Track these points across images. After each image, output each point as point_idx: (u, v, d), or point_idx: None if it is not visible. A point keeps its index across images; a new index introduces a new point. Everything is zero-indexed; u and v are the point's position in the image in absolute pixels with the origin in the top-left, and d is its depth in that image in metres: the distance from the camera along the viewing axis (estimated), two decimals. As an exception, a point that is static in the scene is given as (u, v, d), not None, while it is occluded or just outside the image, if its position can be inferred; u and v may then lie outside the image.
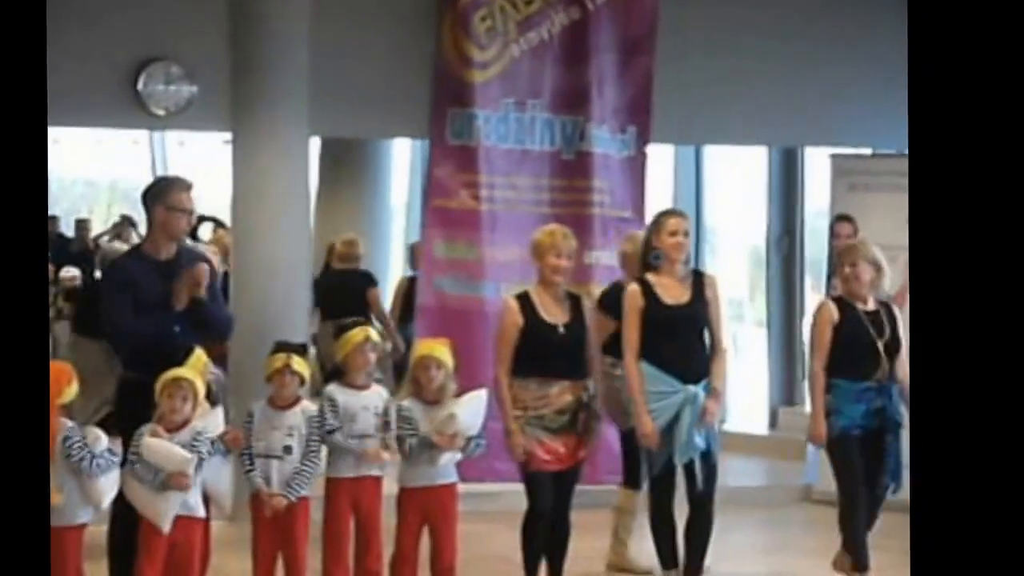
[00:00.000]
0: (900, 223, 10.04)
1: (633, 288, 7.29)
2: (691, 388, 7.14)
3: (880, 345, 7.34)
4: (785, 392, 12.78)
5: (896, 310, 7.56)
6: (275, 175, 9.38)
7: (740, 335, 14.27)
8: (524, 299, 7.18)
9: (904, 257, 9.77)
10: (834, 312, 7.44)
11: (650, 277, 7.27)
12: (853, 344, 7.34)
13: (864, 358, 7.33)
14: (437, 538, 6.89)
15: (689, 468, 7.21)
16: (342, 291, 11.49)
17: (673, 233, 7.26)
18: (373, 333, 6.98)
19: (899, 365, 7.38)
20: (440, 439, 6.78)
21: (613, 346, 7.45)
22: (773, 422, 12.62)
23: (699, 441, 7.16)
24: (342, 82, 9.54)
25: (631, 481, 8.12)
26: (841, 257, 7.54)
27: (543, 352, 7.07)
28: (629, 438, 7.79)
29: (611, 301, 7.77)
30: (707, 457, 7.22)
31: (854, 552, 7.45)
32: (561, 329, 7.14)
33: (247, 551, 6.78)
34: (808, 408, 11.50)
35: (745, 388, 13.11)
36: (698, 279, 7.35)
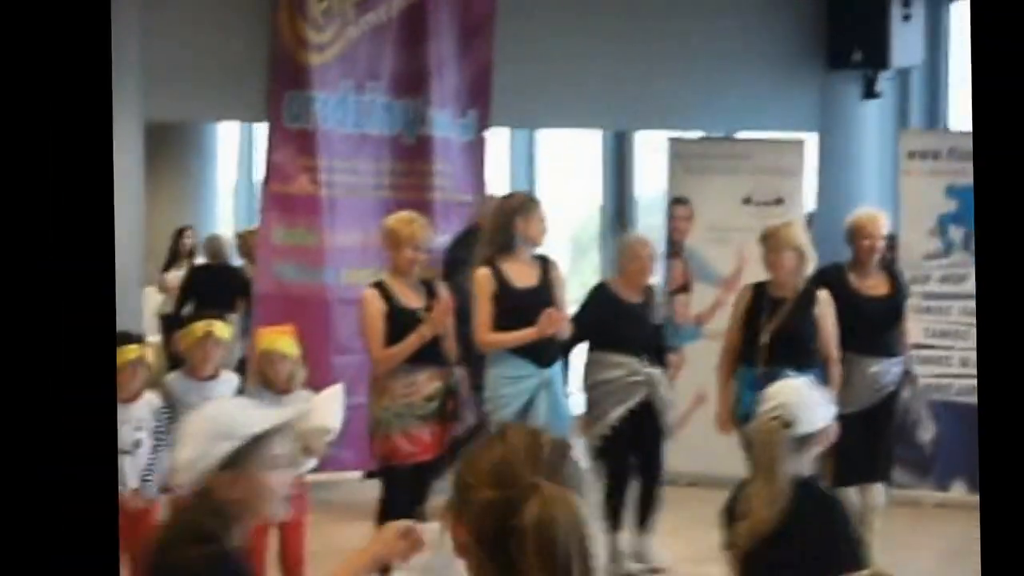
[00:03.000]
0: (735, 205, 10.25)
1: (483, 272, 7.24)
2: (545, 372, 7.12)
3: (765, 334, 7.22)
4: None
5: (820, 297, 7.30)
6: (108, 160, 9.07)
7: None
8: (381, 287, 7.07)
9: (738, 239, 9.91)
10: (746, 297, 7.41)
11: (499, 261, 7.23)
12: (753, 331, 7.30)
13: (753, 346, 7.28)
14: (285, 531, 6.73)
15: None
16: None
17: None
18: (219, 328, 6.77)
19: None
20: (311, 452, 6.63)
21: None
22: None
23: (555, 424, 7.14)
24: (176, 65, 9.25)
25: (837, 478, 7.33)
26: (763, 243, 7.40)
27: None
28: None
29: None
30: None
31: None
32: (422, 315, 7.04)
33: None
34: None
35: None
36: (544, 262, 7.34)
